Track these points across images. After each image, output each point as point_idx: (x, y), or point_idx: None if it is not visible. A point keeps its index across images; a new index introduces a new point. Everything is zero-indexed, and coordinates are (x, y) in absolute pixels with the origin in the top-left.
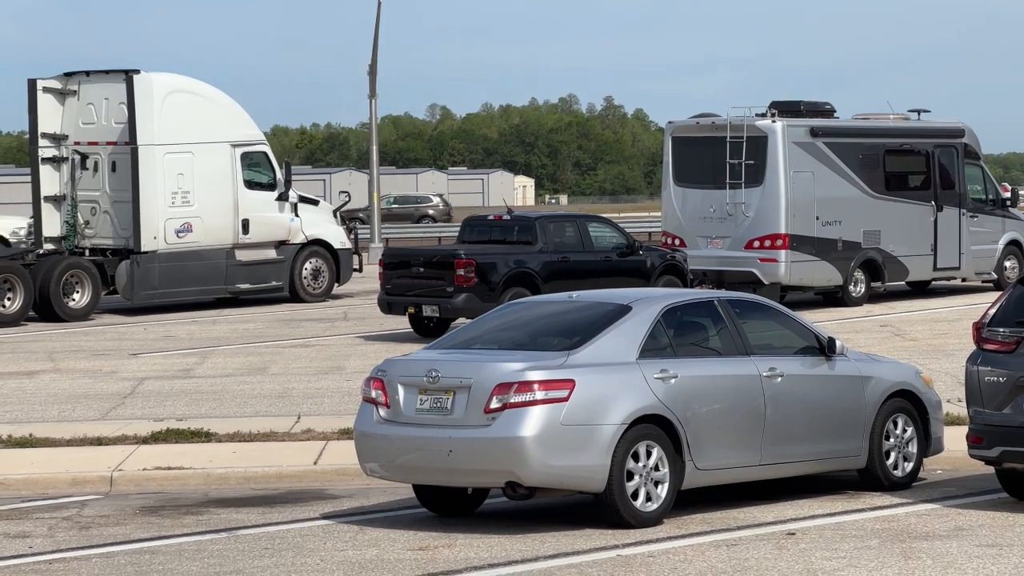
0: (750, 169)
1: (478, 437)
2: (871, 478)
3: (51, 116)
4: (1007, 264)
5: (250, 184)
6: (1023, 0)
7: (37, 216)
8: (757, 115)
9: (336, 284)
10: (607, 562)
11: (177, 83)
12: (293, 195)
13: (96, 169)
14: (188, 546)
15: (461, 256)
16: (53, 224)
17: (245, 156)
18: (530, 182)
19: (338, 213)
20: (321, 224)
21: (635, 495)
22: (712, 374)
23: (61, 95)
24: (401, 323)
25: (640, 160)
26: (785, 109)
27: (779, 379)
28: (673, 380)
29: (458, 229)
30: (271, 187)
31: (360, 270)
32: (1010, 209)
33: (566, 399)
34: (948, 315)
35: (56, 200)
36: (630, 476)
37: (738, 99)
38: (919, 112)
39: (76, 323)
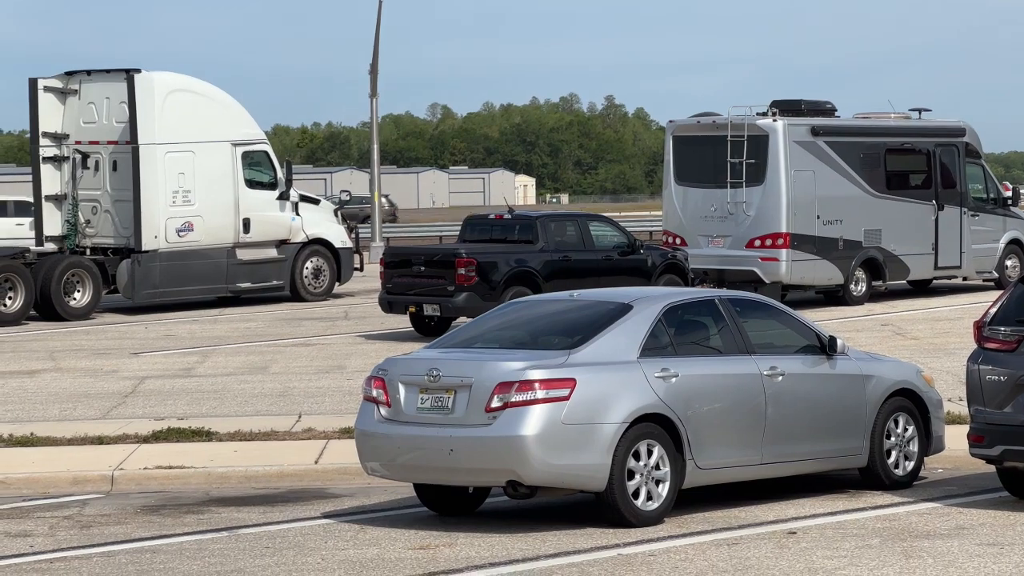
0: (751, 168)
1: (479, 436)
2: (872, 477)
3: (52, 115)
4: (1008, 263)
5: (251, 183)
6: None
7: (38, 215)
8: (758, 114)
9: (337, 283)
10: (608, 561)
11: (178, 82)
12: (294, 194)
13: (97, 168)
14: (189, 545)
15: (462, 255)
16: (54, 223)
17: (246, 155)
18: (531, 181)
19: (339, 212)
20: (322, 223)
21: (636, 494)
22: (713, 373)
23: (62, 94)
24: (402, 322)
25: (641, 159)
26: (786, 108)
27: (780, 378)
28: (674, 379)
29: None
30: (272, 186)
31: (361, 269)
32: (1011, 208)
33: (567, 398)
34: (949, 314)
35: (57, 199)
36: (631, 475)
37: (739, 98)
38: (920, 111)
39: (77, 322)
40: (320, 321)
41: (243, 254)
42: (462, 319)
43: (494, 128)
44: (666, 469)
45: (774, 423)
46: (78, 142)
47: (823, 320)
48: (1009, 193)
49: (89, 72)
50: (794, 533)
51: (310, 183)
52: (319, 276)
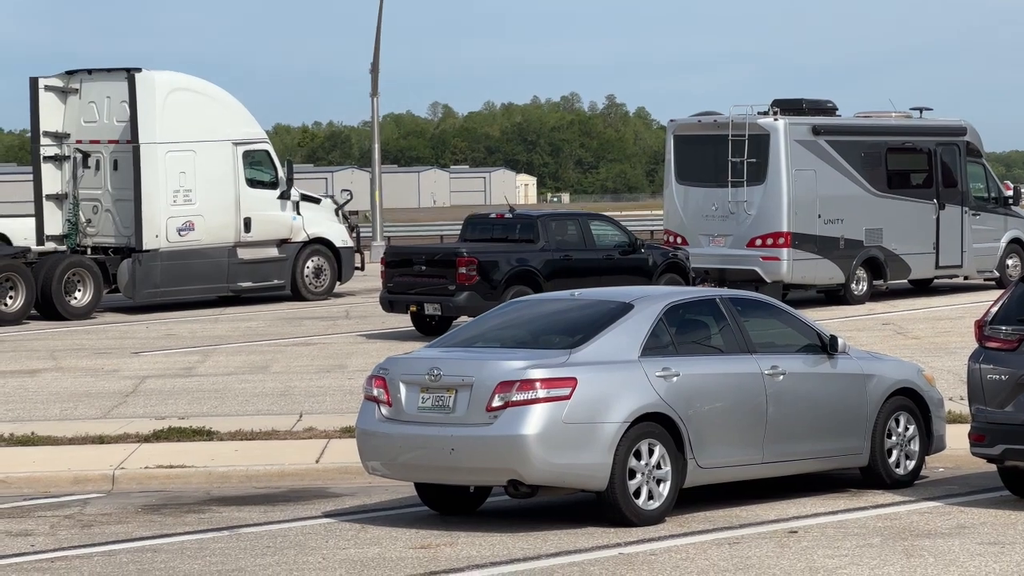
0: (752, 167)
1: (480, 435)
2: (873, 476)
3: (53, 114)
4: (1009, 262)
5: (252, 182)
6: None
7: (39, 214)
8: (759, 113)
9: (338, 282)
10: (609, 560)
11: (179, 81)
12: (295, 193)
13: (98, 167)
14: (190, 544)
15: (463, 254)
16: (55, 223)
17: (247, 154)
18: (532, 180)
19: (340, 211)
20: (323, 222)
21: (637, 493)
22: (714, 372)
23: (63, 93)
24: (403, 321)
25: (642, 158)
26: (787, 107)
27: (781, 377)
28: (675, 378)
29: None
30: (273, 185)
31: (362, 268)
32: (1012, 207)
33: (568, 397)
34: (950, 313)
35: (58, 198)
36: (632, 474)
37: (740, 97)
38: (921, 110)
39: (78, 322)
40: (321, 320)
41: (244, 253)
42: (463, 318)
43: (495, 127)
44: (667, 468)
45: (775, 422)
46: (79, 141)
47: (824, 319)
48: (1010, 192)
49: (90, 71)
50: (795, 532)
51: (311, 182)
52: (320, 275)
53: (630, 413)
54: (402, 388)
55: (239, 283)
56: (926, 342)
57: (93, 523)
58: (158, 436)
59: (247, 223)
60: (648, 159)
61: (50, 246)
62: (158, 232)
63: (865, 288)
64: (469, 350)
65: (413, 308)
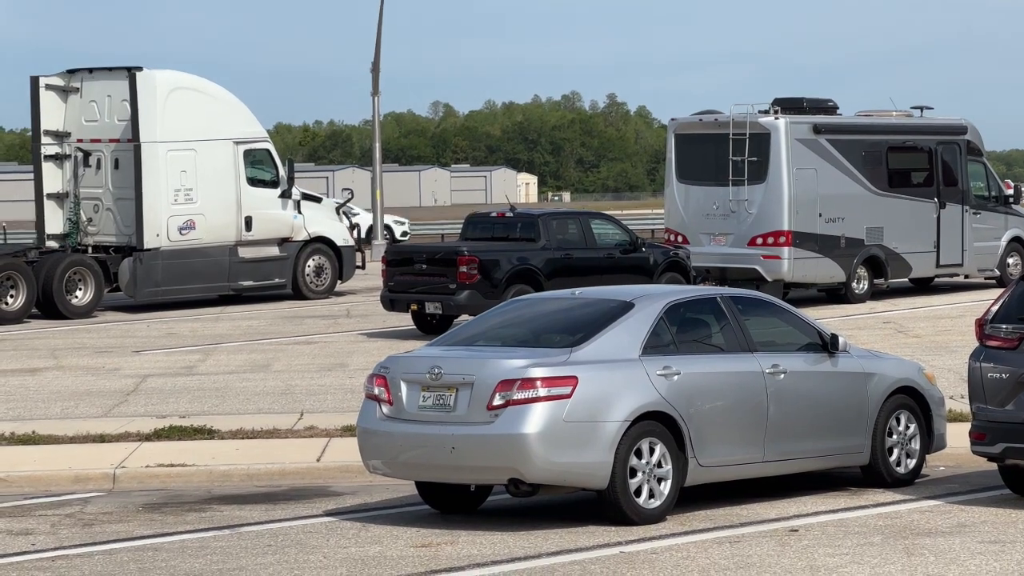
0: (753, 166)
1: (481, 434)
2: (874, 475)
3: (54, 113)
4: (1010, 261)
5: (253, 181)
6: None
7: (40, 213)
8: (760, 112)
9: (339, 281)
10: (610, 559)
11: (180, 80)
12: (296, 192)
13: (99, 166)
14: (191, 543)
15: (464, 253)
16: (56, 221)
17: (248, 153)
18: (533, 179)
19: (341, 210)
20: (324, 221)
21: (638, 492)
22: (715, 371)
23: (64, 92)
24: (404, 320)
25: (643, 157)
26: (788, 106)
27: (782, 376)
28: (676, 377)
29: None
30: (274, 184)
31: (363, 267)
32: (1012, 206)
33: (569, 396)
34: (951, 312)
35: (59, 197)
36: (633, 473)
37: (741, 96)
38: (922, 109)
39: (79, 320)
40: (322, 319)
41: (245, 252)
42: (464, 317)
43: (496, 126)
44: (668, 467)
45: (776, 421)
46: (80, 140)
47: (825, 318)
48: (1011, 191)
49: (91, 70)
50: (796, 531)
51: (312, 181)
52: (321, 274)
53: (631, 412)
54: (403, 387)
55: (240, 282)
56: (927, 341)
57: (94, 522)
58: (159, 435)
59: (248, 222)
60: (649, 158)
61: (50, 245)
62: (159, 231)
63: (866, 287)
64: (470, 349)
65: (414, 307)
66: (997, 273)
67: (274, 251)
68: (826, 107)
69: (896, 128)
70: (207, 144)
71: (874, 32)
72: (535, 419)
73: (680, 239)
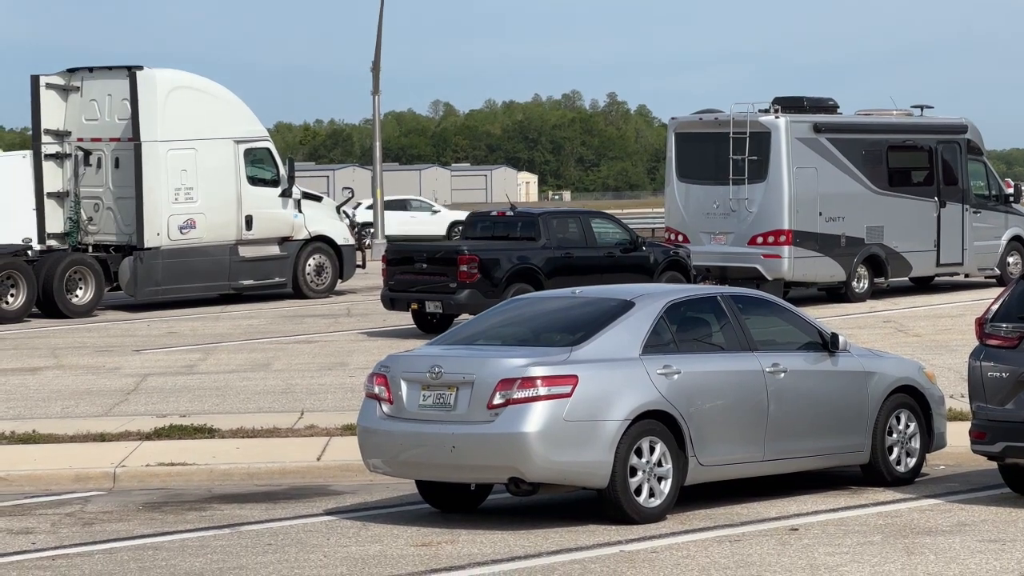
0: (753, 165)
1: (481, 433)
2: (874, 474)
3: (54, 112)
4: (1010, 260)
5: (253, 180)
6: None
7: (40, 212)
8: (760, 111)
9: (339, 280)
10: (610, 558)
11: (180, 79)
12: (296, 191)
13: (99, 165)
14: (191, 542)
15: (464, 252)
16: (56, 220)
17: (248, 152)
18: (533, 178)
19: (341, 209)
20: (324, 220)
21: (638, 491)
22: (715, 370)
23: (64, 91)
24: (404, 319)
25: (643, 156)
26: (788, 105)
27: (782, 375)
28: (676, 376)
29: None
30: (274, 183)
31: (363, 266)
32: (1013, 205)
33: (569, 395)
34: (951, 311)
35: (59, 196)
36: (633, 472)
37: (741, 95)
38: (922, 108)
39: (79, 319)
40: (322, 318)
41: (245, 251)
42: (464, 316)
43: (496, 125)
44: (668, 466)
45: (776, 420)
46: (80, 139)
47: (825, 317)
48: (1011, 190)
49: (91, 69)
50: (796, 530)
51: (312, 180)
52: (321, 273)
53: (631, 411)
54: (403, 386)
55: (240, 281)
56: (927, 340)
57: (94, 521)
58: (159, 434)
59: (248, 221)
60: (649, 157)
61: (50, 243)
62: (159, 230)
63: (866, 286)
64: (470, 348)
65: (414, 306)
66: (997, 272)
67: (274, 250)
68: (826, 106)
69: (896, 127)
70: (208, 143)
71: (874, 32)
72: (535, 418)
73: (680, 238)
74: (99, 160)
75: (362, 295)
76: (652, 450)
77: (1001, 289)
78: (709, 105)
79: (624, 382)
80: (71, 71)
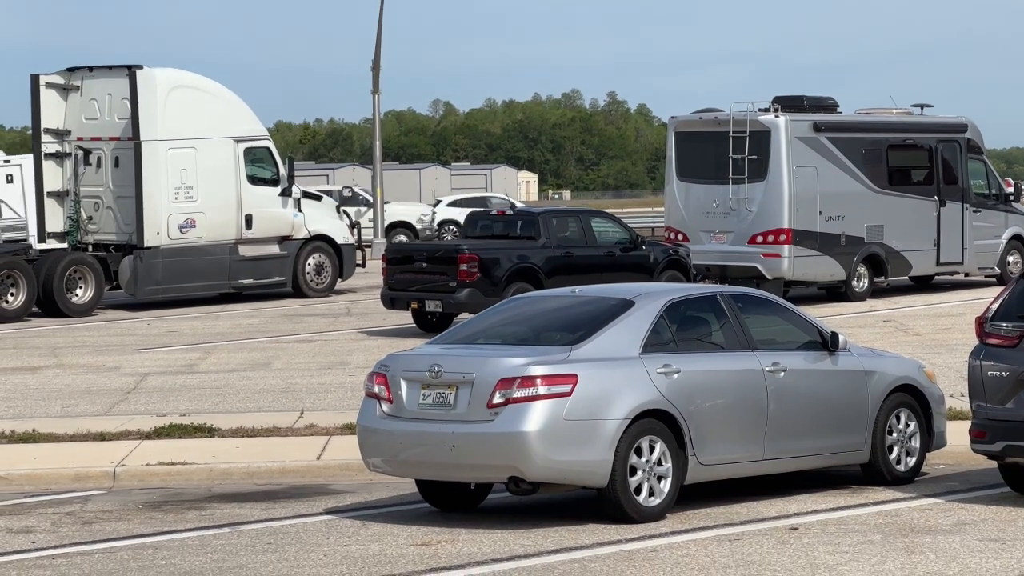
0: (753, 164)
1: (481, 432)
2: (874, 473)
3: (54, 111)
4: (1010, 259)
5: (253, 179)
6: None
7: (40, 212)
8: (760, 110)
9: (339, 279)
10: (610, 557)
11: (180, 78)
12: (296, 190)
13: (99, 165)
14: (191, 541)
15: (464, 251)
16: (56, 220)
17: (248, 151)
18: (533, 178)
19: (341, 208)
20: (324, 219)
21: (638, 490)
22: (715, 369)
23: (64, 90)
24: (404, 318)
25: (643, 155)
26: (788, 104)
27: (782, 374)
28: (676, 375)
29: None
30: (274, 182)
31: (363, 265)
32: (1013, 204)
33: (569, 394)
34: (951, 310)
35: (59, 196)
36: (633, 471)
37: (741, 94)
38: (922, 107)
39: (79, 318)
40: (322, 317)
41: (245, 250)
42: (464, 315)
43: (496, 124)
44: (668, 465)
45: (776, 419)
46: (80, 138)
47: (825, 316)
48: (1011, 189)
49: (91, 68)
50: (796, 529)
51: (312, 179)
52: (321, 272)
53: (631, 410)
54: (403, 385)
55: (240, 280)
56: (927, 339)
57: (94, 520)
58: (159, 433)
59: (248, 220)
60: (649, 156)
61: (50, 243)
62: (159, 229)
63: (866, 285)
64: (470, 347)
65: (414, 305)
66: (997, 271)
67: (274, 249)
68: (826, 105)
69: (896, 126)
70: (207, 142)
71: (874, 30)
72: (535, 417)
73: (680, 237)
74: (99, 159)
75: (362, 294)
76: (652, 449)
77: (1001, 288)
78: (709, 104)
79: (624, 381)
80: (71, 70)
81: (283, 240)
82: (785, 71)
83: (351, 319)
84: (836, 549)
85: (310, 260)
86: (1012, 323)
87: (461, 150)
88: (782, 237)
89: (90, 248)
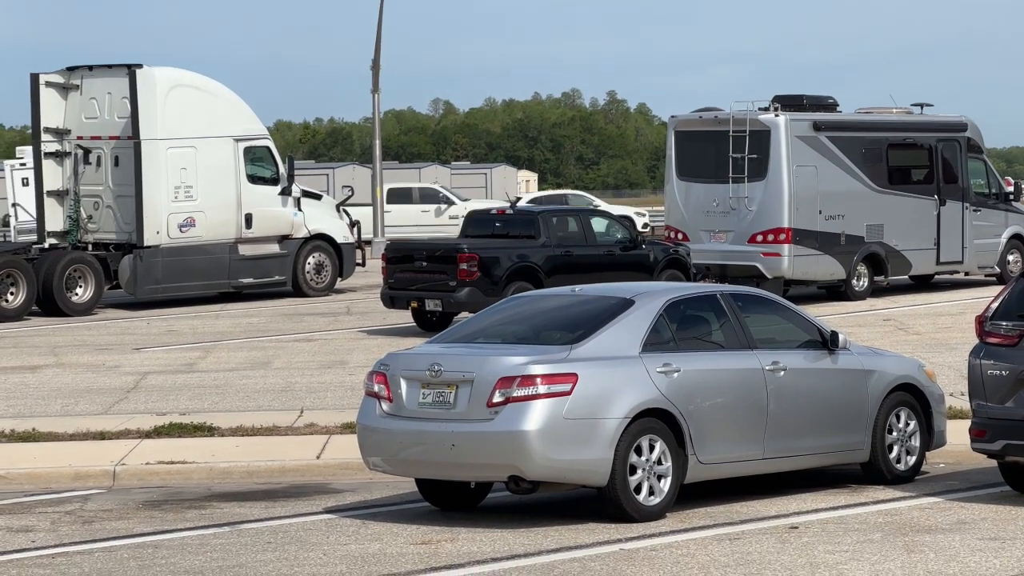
0: (753, 163)
1: (481, 431)
2: (874, 472)
3: (54, 111)
4: (1010, 258)
5: (253, 179)
6: None
7: (40, 211)
8: (760, 109)
9: (339, 278)
10: (610, 556)
11: (180, 77)
12: (296, 189)
13: (99, 164)
14: (191, 540)
15: (464, 250)
16: (56, 219)
17: (248, 150)
18: (533, 177)
19: (341, 207)
20: (324, 218)
21: (638, 489)
22: (715, 368)
23: (64, 89)
24: (404, 317)
25: (643, 154)
26: (788, 103)
27: (782, 373)
28: (676, 374)
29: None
30: (274, 181)
31: (363, 264)
32: (1013, 203)
33: (569, 393)
34: (951, 309)
35: (59, 195)
36: (633, 470)
37: (741, 93)
38: (922, 106)
39: (79, 318)
40: (322, 316)
41: (245, 249)
42: (464, 314)
43: (496, 123)
44: (668, 464)
45: (776, 418)
46: (80, 137)
47: (825, 315)
48: (1011, 188)
49: (91, 67)
50: (796, 528)
51: (312, 178)
52: (321, 271)
53: (631, 409)
54: (403, 384)
55: (240, 279)
56: (927, 338)
57: (94, 519)
58: (159, 432)
59: (248, 219)
60: (649, 155)
61: (50, 242)
62: (159, 228)
63: (866, 284)
64: (470, 346)
65: (414, 304)
66: (997, 270)
67: (274, 248)
68: (826, 104)
69: (896, 125)
70: (207, 141)
71: (874, 30)
72: (535, 416)
73: (680, 236)
74: (99, 158)
75: (362, 293)
76: (652, 448)
77: (1001, 287)
78: (709, 103)
79: (624, 380)
80: (71, 69)
81: (283, 239)
82: (785, 71)
83: (351, 318)
84: (836, 548)
85: (310, 259)
86: (1012, 322)
87: (461, 149)
88: (782, 236)
89: (90, 247)
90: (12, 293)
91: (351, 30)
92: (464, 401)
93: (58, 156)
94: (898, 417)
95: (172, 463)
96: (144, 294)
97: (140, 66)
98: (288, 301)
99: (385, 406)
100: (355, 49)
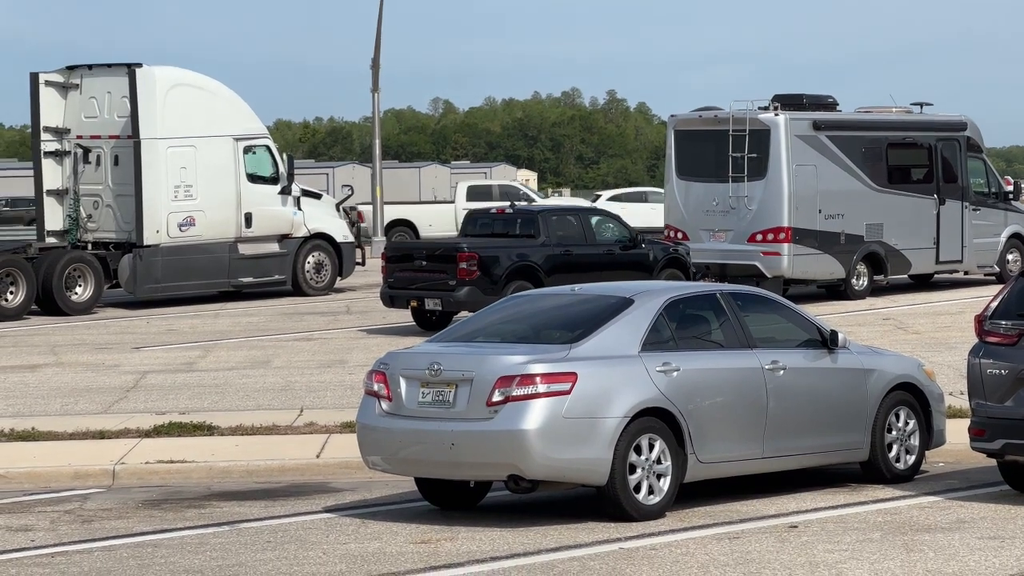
0: (753, 162)
1: (480, 430)
2: (873, 471)
3: (53, 110)
4: (1009, 257)
5: (253, 178)
6: None
7: (40, 210)
8: (760, 108)
9: (339, 278)
10: (609, 555)
11: (180, 77)
12: (296, 189)
13: (99, 163)
14: (190, 539)
15: (464, 249)
16: (56, 218)
17: (248, 150)
18: (533, 176)
19: (341, 207)
20: (324, 218)
21: (637, 488)
22: (714, 367)
23: (63, 89)
24: (404, 317)
25: (643, 154)
26: (788, 102)
27: (781, 372)
28: (675, 373)
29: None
30: (274, 181)
31: (363, 263)
32: (1012, 202)
33: (568, 392)
34: (950, 308)
35: (59, 194)
36: (632, 469)
37: (741, 93)
38: (922, 105)
39: (79, 317)
40: (322, 316)
41: (245, 249)
42: (464, 313)
43: (496, 123)
44: (667, 463)
45: (775, 417)
46: (79, 136)
47: (825, 314)
48: (1010, 187)
49: (90, 66)
50: (795, 527)
51: (312, 178)
52: (321, 271)
53: (630, 408)
54: (402, 383)
55: (240, 278)
56: (926, 337)
57: (93, 518)
58: (159, 431)
59: (248, 218)
60: (649, 154)
61: (50, 241)
62: (159, 227)
63: (865, 283)
64: (469, 345)
65: (414, 303)
66: (997, 269)
67: (274, 247)
68: (826, 103)
69: (896, 124)
70: (207, 140)
71: (874, 29)
72: (534, 415)
73: (680, 235)
74: (98, 158)
75: (361, 292)
76: (651, 447)
77: (1000, 286)
78: (709, 102)
79: (623, 379)
80: (71, 68)
81: (283, 238)
82: (785, 71)
83: (351, 317)
84: (835, 547)
85: (310, 258)
86: (1011, 321)
87: (461, 148)
88: (782, 235)
89: (89, 246)
90: (12, 292)
91: (351, 29)
92: (464, 400)
93: (58, 155)
94: (897, 416)
95: (172, 462)
96: (144, 293)
97: (140, 65)
98: (288, 300)
99: (385, 405)
100: (355, 48)
